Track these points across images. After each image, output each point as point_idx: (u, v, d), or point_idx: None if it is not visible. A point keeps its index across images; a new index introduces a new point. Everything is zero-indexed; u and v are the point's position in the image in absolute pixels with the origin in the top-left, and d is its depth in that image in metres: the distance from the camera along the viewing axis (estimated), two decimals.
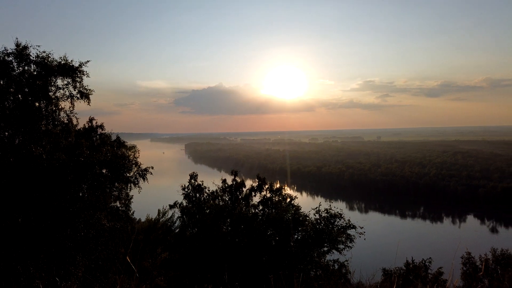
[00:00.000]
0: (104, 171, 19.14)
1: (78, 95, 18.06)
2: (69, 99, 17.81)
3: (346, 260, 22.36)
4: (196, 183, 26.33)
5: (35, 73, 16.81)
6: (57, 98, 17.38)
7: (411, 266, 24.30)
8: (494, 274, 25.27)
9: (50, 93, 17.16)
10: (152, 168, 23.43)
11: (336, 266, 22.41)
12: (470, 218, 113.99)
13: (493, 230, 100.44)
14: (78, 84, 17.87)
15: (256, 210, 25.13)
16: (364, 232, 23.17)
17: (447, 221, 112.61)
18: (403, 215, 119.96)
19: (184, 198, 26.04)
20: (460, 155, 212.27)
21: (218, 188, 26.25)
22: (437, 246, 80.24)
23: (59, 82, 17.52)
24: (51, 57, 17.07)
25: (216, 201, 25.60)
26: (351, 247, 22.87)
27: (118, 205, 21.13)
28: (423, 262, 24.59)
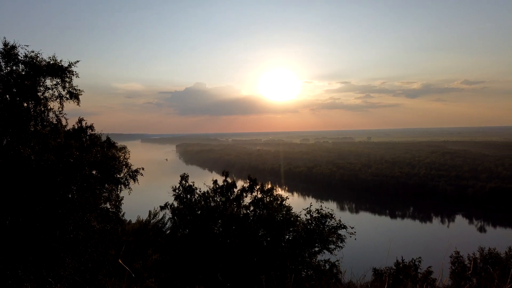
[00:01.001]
0: (94, 172, 18.96)
1: (67, 96, 17.86)
2: (58, 100, 17.60)
3: (337, 260, 22.50)
4: (187, 184, 26.24)
5: (24, 73, 16.58)
6: (46, 99, 17.16)
7: (401, 265, 24.54)
8: (482, 273, 25.65)
9: (39, 94, 16.94)
10: (143, 169, 23.28)
11: (327, 266, 22.52)
12: (459, 218, 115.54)
13: (481, 230, 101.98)
14: (67, 84, 17.67)
15: (248, 211, 25.13)
16: (355, 232, 23.34)
17: (436, 220, 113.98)
18: (393, 215, 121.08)
19: (175, 199, 25.93)
20: (449, 155, 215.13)
21: (209, 189, 26.19)
22: (426, 246, 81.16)
23: (48, 82, 17.31)
24: (40, 57, 16.86)
25: (208, 202, 25.54)
26: (342, 247, 23.01)
27: (108, 207, 20.92)
28: (413, 261, 24.86)
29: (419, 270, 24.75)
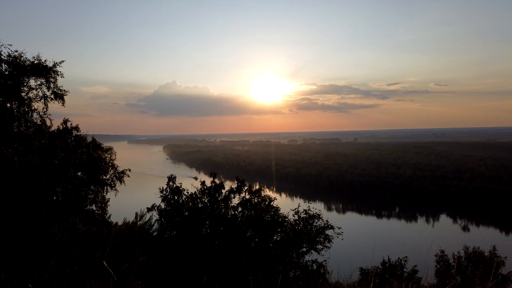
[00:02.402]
0: (79, 173, 18.70)
1: (52, 96, 17.57)
2: (42, 100, 17.31)
3: (325, 260, 22.66)
4: (174, 186, 26.08)
5: (7, 73, 16.25)
6: (30, 99, 16.86)
7: (387, 265, 24.86)
8: (467, 271, 26.17)
9: (23, 94, 16.63)
10: (129, 170, 23.07)
11: (315, 266, 22.66)
12: (444, 217, 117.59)
13: (465, 229, 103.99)
14: (52, 84, 17.39)
15: (236, 212, 25.12)
16: (342, 232, 23.55)
17: (421, 220, 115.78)
18: (379, 215, 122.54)
19: (162, 200, 25.74)
20: (433, 156, 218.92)
21: (197, 190, 26.08)
22: (412, 245, 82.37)
23: (32, 82, 17.01)
24: (24, 57, 16.56)
25: (195, 203, 25.42)
26: (329, 247, 23.19)
27: (94, 209, 20.66)
28: (399, 261, 25.21)
29: (405, 269, 25.10)
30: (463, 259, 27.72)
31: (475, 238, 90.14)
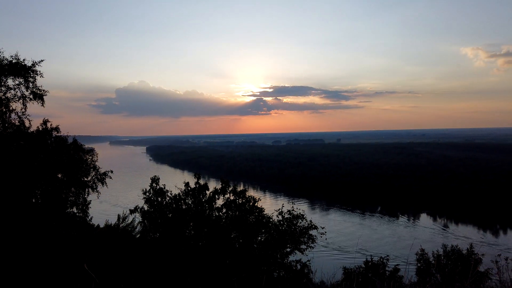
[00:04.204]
0: (59, 175, 18.31)
1: (31, 96, 17.18)
2: (21, 100, 16.89)
3: (308, 260, 22.83)
4: (158, 187, 25.79)
5: None
6: (8, 99, 16.44)
7: (370, 264, 25.24)
8: (446, 269, 26.80)
9: (0, 94, 16.20)
10: (112, 172, 22.73)
11: (299, 267, 22.80)
12: (424, 217, 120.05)
13: (444, 228, 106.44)
14: (31, 84, 17.00)
15: (220, 213, 25.03)
16: (326, 232, 23.79)
17: (403, 219, 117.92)
18: (362, 215, 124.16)
19: (146, 202, 25.41)
20: (414, 156, 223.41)
21: (181, 192, 25.87)
22: (394, 244, 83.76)
23: (10, 82, 16.60)
24: (1, 56, 16.14)
25: (179, 205, 25.20)
26: (313, 247, 23.39)
27: (75, 211, 20.26)
28: (381, 260, 25.63)
29: (387, 268, 25.53)
30: (443, 257, 28.41)
31: (453, 236, 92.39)
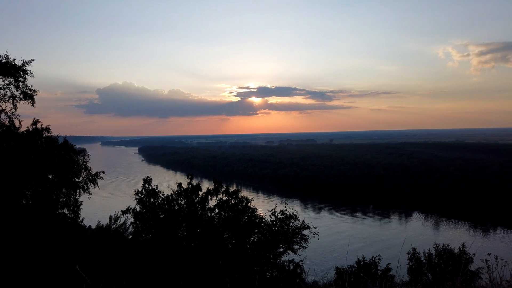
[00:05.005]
0: (50, 176, 18.12)
1: (21, 96, 16.98)
2: (10, 100, 16.69)
3: (301, 260, 22.88)
4: (150, 188, 25.63)
5: None
6: None
7: (362, 263, 25.38)
8: (437, 268, 27.05)
9: None
10: (103, 172, 22.56)
11: (292, 267, 22.83)
12: (415, 216, 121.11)
13: (436, 227, 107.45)
14: (21, 84, 16.80)
15: (213, 214, 24.97)
16: (318, 232, 23.86)
17: (394, 219, 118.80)
18: (354, 215, 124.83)
19: (138, 203, 25.24)
20: (405, 156, 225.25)
21: (174, 192, 25.75)
22: (386, 243, 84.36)
23: (0, 82, 16.37)
24: None
25: (172, 206, 25.09)
26: (305, 247, 23.44)
27: (66, 212, 20.06)
28: (373, 259, 25.79)
29: (378, 267, 25.69)
30: (434, 256, 28.67)
31: (445, 236, 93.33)
